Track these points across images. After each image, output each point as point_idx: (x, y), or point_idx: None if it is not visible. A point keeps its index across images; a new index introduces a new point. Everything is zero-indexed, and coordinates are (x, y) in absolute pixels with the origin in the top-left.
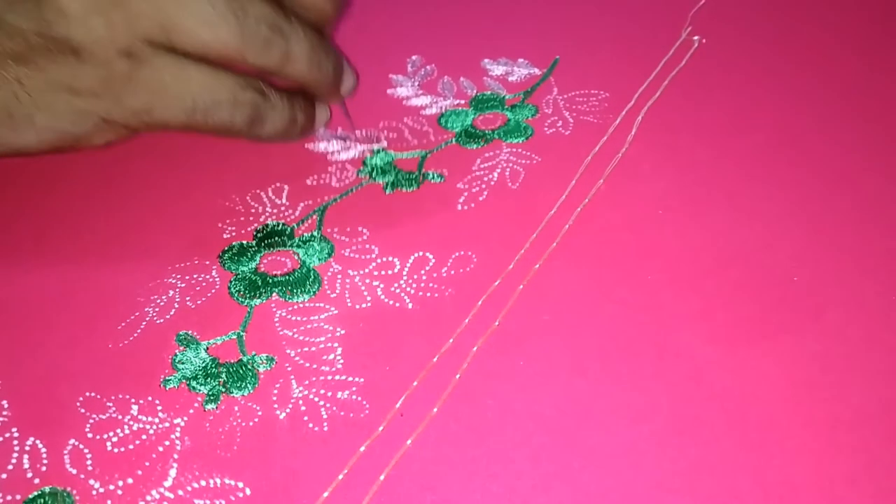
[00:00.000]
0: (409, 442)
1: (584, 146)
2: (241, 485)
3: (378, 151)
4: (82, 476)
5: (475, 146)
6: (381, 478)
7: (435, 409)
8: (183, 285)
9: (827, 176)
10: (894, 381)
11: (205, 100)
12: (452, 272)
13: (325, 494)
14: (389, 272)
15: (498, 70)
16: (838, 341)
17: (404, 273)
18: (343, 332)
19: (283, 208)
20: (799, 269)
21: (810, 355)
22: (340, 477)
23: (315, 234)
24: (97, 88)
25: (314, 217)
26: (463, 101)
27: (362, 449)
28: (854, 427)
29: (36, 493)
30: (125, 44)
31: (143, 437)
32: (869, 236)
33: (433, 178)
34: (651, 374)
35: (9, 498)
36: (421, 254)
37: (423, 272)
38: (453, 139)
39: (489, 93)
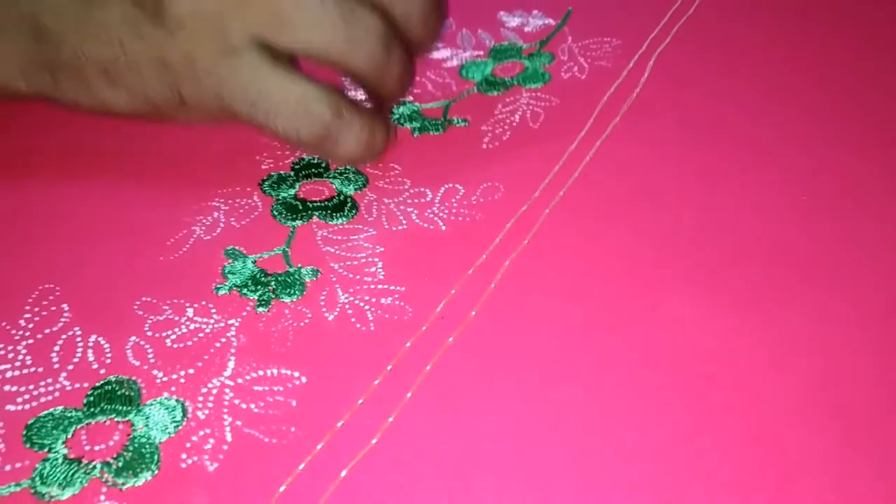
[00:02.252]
0: (450, 339)
1: (600, 88)
2: (296, 374)
3: (403, 102)
4: (145, 367)
5: (496, 93)
6: (428, 368)
7: (473, 313)
8: (226, 208)
9: (833, 122)
10: (879, 349)
11: (273, 102)
12: (481, 200)
13: (376, 382)
14: (422, 200)
15: (514, 21)
16: (830, 309)
17: (436, 201)
18: (382, 249)
19: None
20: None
21: (804, 322)
22: (389, 368)
23: (349, 167)
24: (182, 66)
25: None
26: (482, 53)
27: (408, 345)
28: (842, 392)
29: (103, 381)
30: (229, 32)
31: (200, 335)
32: (868, 200)
33: (458, 122)
34: (668, 289)
35: (77, 386)
36: (451, 185)
37: (453, 200)
38: (474, 88)
39: (506, 43)
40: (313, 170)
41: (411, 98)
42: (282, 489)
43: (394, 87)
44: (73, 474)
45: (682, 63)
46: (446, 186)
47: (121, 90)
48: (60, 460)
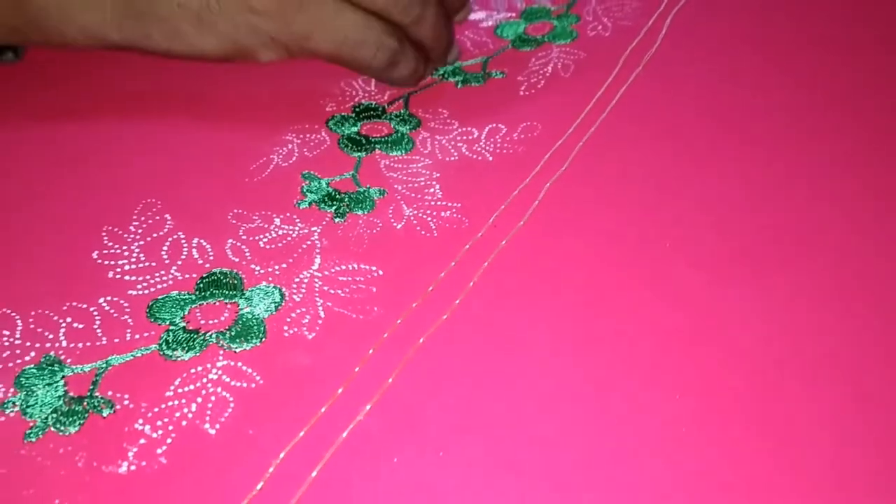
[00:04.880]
0: (503, 243)
1: (623, 43)
2: (374, 268)
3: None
4: (243, 262)
5: (529, 48)
6: (485, 265)
7: (521, 223)
8: (299, 141)
9: (858, 84)
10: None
11: (356, 37)
12: (522, 136)
13: (442, 275)
14: (469, 137)
15: None
16: (829, 284)
17: (482, 138)
18: (438, 174)
19: (372, 93)
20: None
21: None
22: (453, 264)
23: (403, 111)
24: (273, 11)
25: (400, 101)
26: (514, 14)
27: (467, 247)
28: (838, 364)
29: (210, 273)
30: None
31: (288, 238)
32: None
33: (496, 74)
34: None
35: (186, 276)
36: (494, 125)
37: (497, 137)
38: (509, 45)
39: (536, 6)
40: (371, 112)
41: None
42: (370, 351)
43: (430, 38)
44: (192, 341)
45: (696, 20)
46: (490, 126)
47: (210, 36)
48: (181, 330)
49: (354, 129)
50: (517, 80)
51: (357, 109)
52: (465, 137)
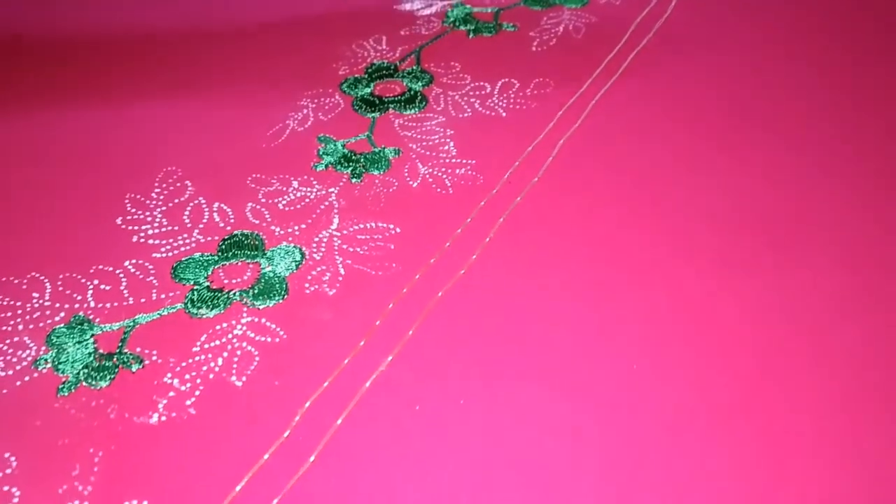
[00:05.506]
0: (518, 199)
1: (634, 11)
2: (391, 226)
3: (457, 5)
4: (264, 224)
5: (540, 8)
6: (501, 220)
7: (536, 179)
8: (314, 105)
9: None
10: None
11: None
12: (535, 92)
13: (458, 231)
14: (482, 92)
15: None
16: (826, 273)
17: (495, 93)
18: (452, 132)
19: (384, 51)
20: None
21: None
22: (469, 220)
23: (415, 68)
24: None
25: (412, 57)
26: None
27: (482, 203)
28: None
29: (231, 234)
30: None
31: (306, 200)
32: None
33: (508, 27)
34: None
35: (209, 238)
36: (507, 80)
37: (510, 92)
38: (521, 2)
39: None
40: (384, 72)
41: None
42: (390, 306)
43: None
44: (217, 299)
45: None
46: (503, 81)
47: None
48: (205, 290)
49: (368, 90)
50: (529, 36)
51: (369, 70)
52: (478, 92)
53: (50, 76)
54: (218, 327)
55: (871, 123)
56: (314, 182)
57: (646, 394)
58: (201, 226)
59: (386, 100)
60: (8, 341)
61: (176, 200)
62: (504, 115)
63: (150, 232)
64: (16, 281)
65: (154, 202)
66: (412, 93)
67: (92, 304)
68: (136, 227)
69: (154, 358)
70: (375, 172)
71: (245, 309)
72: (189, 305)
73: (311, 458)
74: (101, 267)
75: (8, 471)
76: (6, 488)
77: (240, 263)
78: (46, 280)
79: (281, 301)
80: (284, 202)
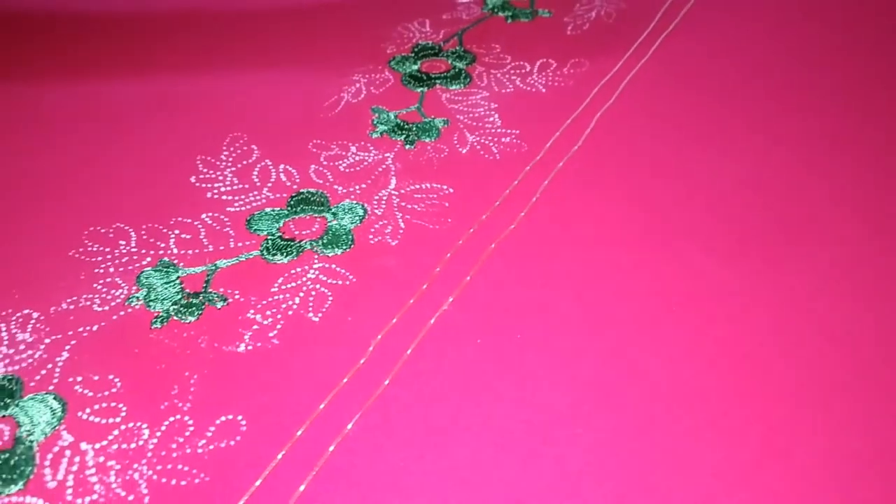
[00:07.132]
0: (560, 164)
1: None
2: (445, 186)
3: None
4: (327, 184)
5: None
6: (546, 183)
7: (576, 147)
8: (366, 80)
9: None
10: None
11: None
12: (572, 71)
13: (507, 191)
14: (522, 71)
15: None
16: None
17: (534, 72)
18: (496, 105)
19: (428, 33)
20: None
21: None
22: (516, 182)
23: (458, 48)
24: None
25: (455, 39)
26: None
27: (527, 168)
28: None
29: (298, 192)
30: None
31: (364, 163)
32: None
33: (543, 13)
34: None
35: (278, 196)
36: (545, 60)
37: (548, 71)
38: None
39: None
40: (429, 51)
41: None
42: (448, 255)
43: None
44: (290, 247)
45: None
46: (541, 61)
47: None
48: (279, 238)
49: (415, 67)
50: (563, 21)
51: (415, 49)
52: (518, 71)
53: (128, 52)
54: (293, 271)
55: None
56: (371, 147)
57: (681, 359)
58: (270, 184)
59: (433, 76)
60: (101, 282)
61: (244, 162)
62: (544, 91)
63: (222, 189)
64: (102, 230)
65: (224, 163)
66: (457, 70)
67: (175, 250)
68: (209, 185)
69: (237, 297)
70: (426, 140)
71: (316, 257)
72: (265, 252)
73: (386, 382)
74: (180, 219)
75: (114, 389)
76: (114, 404)
77: (308, 217)
78: (131, 230)
79: (348, 250)
80: (345, 164)
